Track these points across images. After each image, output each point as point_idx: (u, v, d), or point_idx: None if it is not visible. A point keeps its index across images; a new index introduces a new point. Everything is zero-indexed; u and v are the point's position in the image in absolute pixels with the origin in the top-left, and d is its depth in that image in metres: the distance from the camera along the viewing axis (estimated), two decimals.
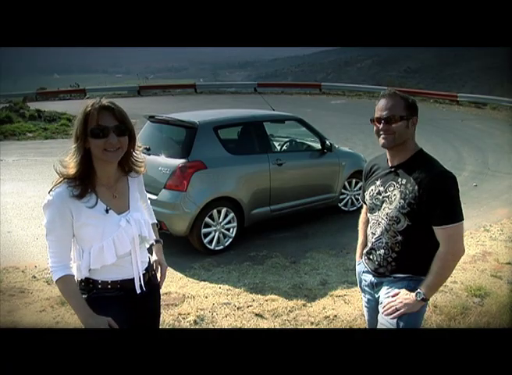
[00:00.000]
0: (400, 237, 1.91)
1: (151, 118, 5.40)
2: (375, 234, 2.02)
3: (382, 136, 1.91)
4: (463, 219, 1.83)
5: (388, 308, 1.90)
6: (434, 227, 1.83)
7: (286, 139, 6.11)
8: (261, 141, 5.38)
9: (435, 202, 1.80)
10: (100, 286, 1.77)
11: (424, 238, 1.86)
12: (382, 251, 1.98)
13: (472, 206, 6.61)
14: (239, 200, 5.00)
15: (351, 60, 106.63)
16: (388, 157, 1.99)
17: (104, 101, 1.68)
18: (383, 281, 2.00)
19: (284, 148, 5.85)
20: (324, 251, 4.98)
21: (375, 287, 2.05)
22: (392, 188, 1.92)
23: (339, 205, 6.13)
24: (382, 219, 1.96)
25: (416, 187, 1.83)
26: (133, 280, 1.82)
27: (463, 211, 1.84)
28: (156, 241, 2.02)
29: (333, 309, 3.56)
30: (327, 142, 5.84)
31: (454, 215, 1.81)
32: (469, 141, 11.80)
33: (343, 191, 6.08)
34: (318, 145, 5.89)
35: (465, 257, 4.68)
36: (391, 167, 1.97)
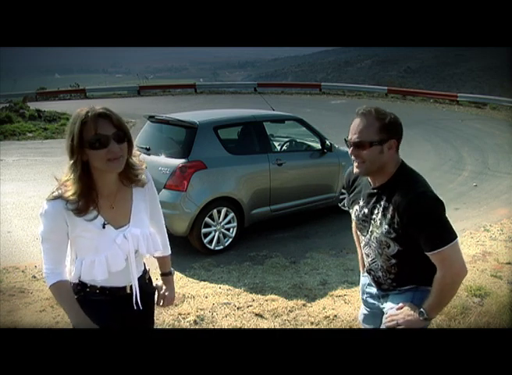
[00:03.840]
0: (394, 261, 1.81)
1: (151, 118, 5.40)
2: (368, 256, 1.92)
3: (354, 162, 1.76)
4: (454, 239, 1.66)
5: (390, 321, 1.82)
6: (425, 253, 1.69)
7: (286, 139, 6.11)
8: (261, 141, 5.38)
9: (418, 227, 1.64)
10: (88, 289, 1.71)
11: (420, 255, 1.71)
12: (379, 273, 1.90)
13: (472, 206, 6.60)
14: (239, 200, 5.00)
15: (351, 60, 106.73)
16: (369, 177, 1.82)
17: (99, 108, 1.54)
18: (389, 294, 1.94)
19: (284, 148, 5.85)
20: (324, 251, 4.98)
21: (380, 298, 1.99)
22: (376, 211, 1.78)
23: (339, 205, 6.13)
24: (372, 242, 1.85)
25: (396, 212, 1.69)
26: (123, 288, 1.75)
27: (453, 228, 1.68)
28: (168, 273, 1.97)
29: (333, 309, 3.56)
30: (327, 142, 5.84)
31: (441, 238, 1.64)
32: (469, 141, 11.81)
33: (342, 191, 6.07)
34: (318, 145, 5.89)
35: (465, 257, 4.62)
36: (373, 188, 1.80)
